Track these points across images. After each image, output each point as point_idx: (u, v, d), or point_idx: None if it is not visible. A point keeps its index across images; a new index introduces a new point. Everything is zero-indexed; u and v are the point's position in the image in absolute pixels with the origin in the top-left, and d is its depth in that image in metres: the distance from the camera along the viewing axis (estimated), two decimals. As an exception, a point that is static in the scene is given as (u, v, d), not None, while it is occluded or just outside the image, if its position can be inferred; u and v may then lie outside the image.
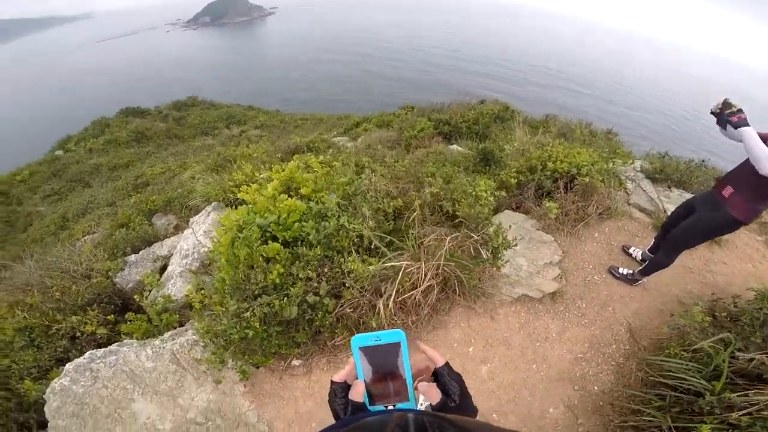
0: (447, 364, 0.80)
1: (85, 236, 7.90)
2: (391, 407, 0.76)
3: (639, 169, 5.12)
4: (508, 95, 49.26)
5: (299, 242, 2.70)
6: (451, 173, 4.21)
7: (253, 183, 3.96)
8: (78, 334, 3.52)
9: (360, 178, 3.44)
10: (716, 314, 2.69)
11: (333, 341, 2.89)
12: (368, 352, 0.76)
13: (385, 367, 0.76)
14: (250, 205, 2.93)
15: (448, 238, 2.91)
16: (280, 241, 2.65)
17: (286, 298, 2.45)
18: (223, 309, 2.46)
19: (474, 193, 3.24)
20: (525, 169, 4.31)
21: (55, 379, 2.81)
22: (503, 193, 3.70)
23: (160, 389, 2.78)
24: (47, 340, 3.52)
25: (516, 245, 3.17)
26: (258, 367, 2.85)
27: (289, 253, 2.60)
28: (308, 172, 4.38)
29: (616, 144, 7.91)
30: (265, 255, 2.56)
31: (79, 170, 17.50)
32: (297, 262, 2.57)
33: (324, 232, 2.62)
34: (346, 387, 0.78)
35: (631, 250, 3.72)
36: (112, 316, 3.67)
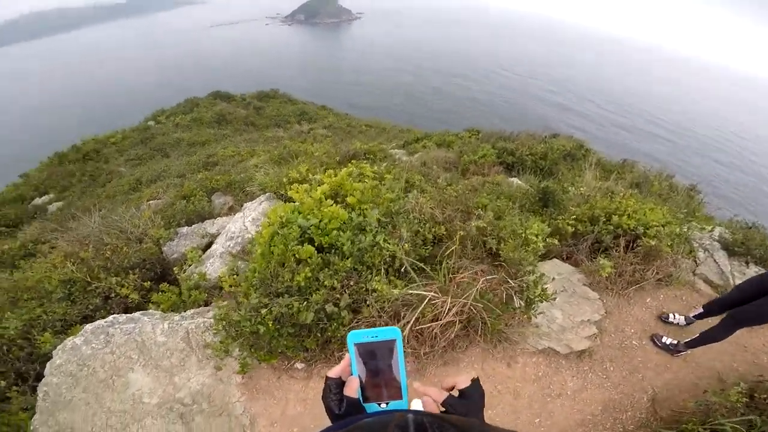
0: (450, 395, 0.78)
1: (150, 201, 8.60)
2: (384, 405, 0.76)
3: (716, 237, 4.55)
4: (585, 133, 46.63)
5: (333, 250, 2.64)
6: (504, 209, 3.95)
7: (305, 183, 4.01)
8: (113, 294, 3.73)
9: (407, 197, 3.33)
10: (755, 395, 2.48)
11: (341, 352, 2.83)
12: (364, 348, 0.76)
13: (379, 364, 0.76)
14: (297, 204, 2.94)
15: (482, 279, 2.70)
16: (316, 245, 2.61)
17: (305, 302, 2.39)
18: (245, 300, 2.45)
19: (524, 235, 3.00)
20: (586, 219, 3.95)
21: (71, 337, 2.95)
22: (555, 241, 3.40)
23: (162, 365, 2.83)
24: (83, 295, 3.76)
25: (555, 298, 2.96)
26: (260, 363, 2.84)
27: (321, 258, 2.54)
28: (360, 180, 4.37)
29: (696, 204, 7.04)
30: (297, 256, 2.52)
31: (163, 141, 19.32)
32: (326, 269, 2.51)
33: (358, 246, 2.54)
34: (340, 383, 0.78)
35: (671, 318, 3.44)
36: (148, 282, 3.86)
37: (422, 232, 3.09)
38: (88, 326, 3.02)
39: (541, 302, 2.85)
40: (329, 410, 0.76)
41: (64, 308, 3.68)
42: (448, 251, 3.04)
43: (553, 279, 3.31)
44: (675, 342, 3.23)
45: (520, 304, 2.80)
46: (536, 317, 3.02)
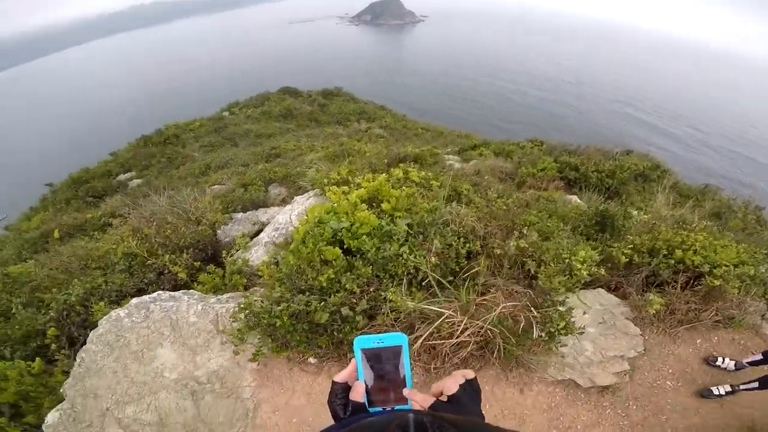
0: (437, 401, 0.77)
1: (213, 186, 9.32)
2: (390, 410, 0.76)
3: (799, 279, 3.88)
4: (666, 152, 42.16)
5: (359, 255, 2.66)
6: (553, 229, 3.69)
7: (345, 185, 4.09)
8: (166, 271, 4.08)
9: (447, 206, 3.25)
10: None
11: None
12: (370, 353, 0.76)
13: (386, 369, 0.77)
14: (334, 205, 3.01)
15: (501, 305, 2.58)
16: (345, 247, 2.65)
17: (323, 303, 2.44)
18: (269, 292, 2.56)
19: (568, 261, 2.77)
20: (645, 249, 3.56)
21: (117, 309, 3.23)
22: (602, 271, 3.12)
23: (189, 343, 3.01)
24: (141, 269, 4.15)
25: (582, 332, 2.76)
26: (273, 353, 2.93)
27: (347, 261, 2.58)
28: (405, 184, 4.35)
29: (786, 242, 6.02)
30: (324, 256, 2.58)
31: (234, 131, 20.83)
32: (349, 272, 2.54)
33: (382, 254, 2.53)
34: (346, 387, 0.78)
35: (719, 361, 3.11)
36: (198, 263, 4.17)
37: (455, 246, 2.99)
38: (133, 300, 3.29)
39: (565, 335, 2.68)
40: (335, 414, 0.77)
41: (122, 280, 4.09)
42: (480, 267, 2.92)
43: (585, 313, 3.09)
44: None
45: (539, 335, 2.65)
46: (558, 349, 2.85)
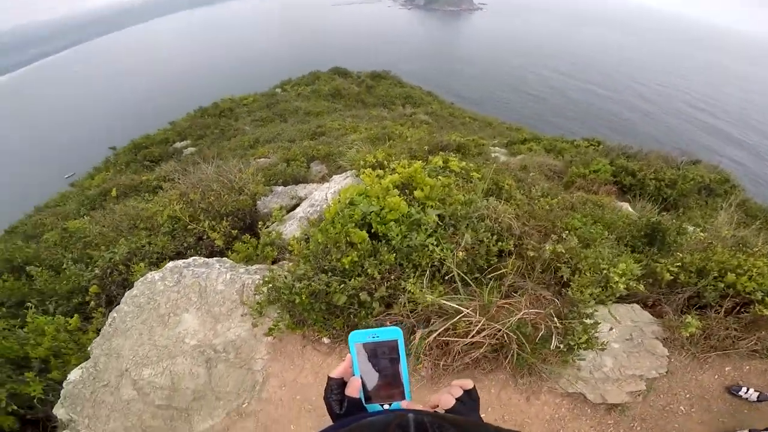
0: (457, 399, 0.76)
1: (259, 158, 9.65)
2: (387, 406, 0.76)
3: None
4: (739, 165, 38.16)
5: (385, 241, 2.63)
6: (596, 237, 3.45)
7: (380, 168, 4.04)
8: (204, 237, 4.25)
9: (485, 200, 3.12)
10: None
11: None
12: (366, 348, 0.75)
13: (382, 364, 0.76)
14: (366, 188, 2.99)
15: (524, 310, 2.46)
16: (372, 231, 2.63)
17: (343, 285, 2.44)
18: (293, 269, 2.60)
19: (606, 272, 2.59)
20: (693, 269, 3.27)
21: (153, 272, 3.35)
22: (641, 287, 2.90)
23: (213, 311, 3.09)
24: (183, 233, 4.33)
25: (604, 348, 2.63)
26: (288, 329, 2.97)
27: (371, 245, 2.56)
28: (443, 173, 4.23)
29: None
30: (350, 239, 2.58)
31: (284, 108, 21.37)
32: (372, 257, 2.51)
33: (408, 242, 2.48)
34: (342, 383, 0.78)
35: (741, 391, 2.88)
36: (236, 231, 4.32)
37: (487, 242, 2.88)
38: (169, 264, 3.40)
39: (585, 350, 2.56)
40: (330, 410, 0.77)
41: (164, 242, 4.27)
42: (509, 268, 2.79)
43: (612, 328, 2.91)
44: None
45: (558, 346, 2.52)
46: (575, 361, 2.72)
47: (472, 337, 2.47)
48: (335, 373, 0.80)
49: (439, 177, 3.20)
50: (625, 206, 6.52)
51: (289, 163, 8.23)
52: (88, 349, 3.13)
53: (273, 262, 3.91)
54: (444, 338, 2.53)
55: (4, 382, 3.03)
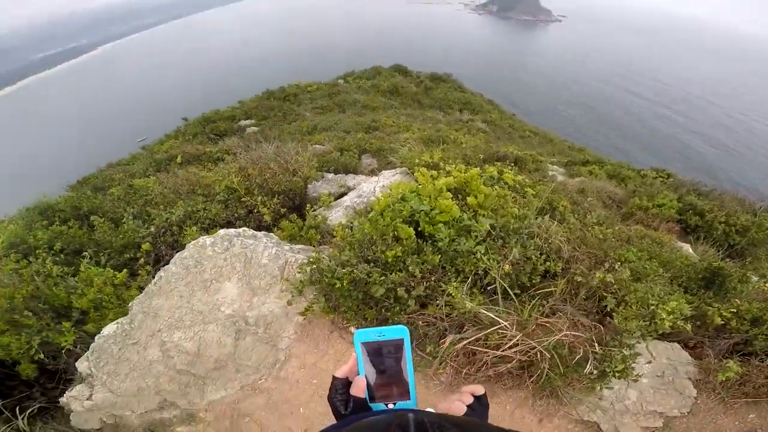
0: (468, 407, 0.75)
1: (315, 144, 9.95)
2: (392, 405, 0.75)
3: None
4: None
5: (431, 241, 2.60)
6: (650, 273, 3.25)
7: (435, 169, 4.00)
8: (255, 210, 4.42)
9: (538, 218, 2.99)
10: None
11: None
12: (371, 347, 0.74)
13: (387, 363, 0.75)
14: (419, 186, 2.98)
15: (563, 332, 2.37)
16: (419, 230, 2.62)
17: (383, 277, 2.44)
18: (337, 253, 2.65)
19: (653, 308, 2.49)
20: (747, 317, 3.06)
21: (205, 237, 3.42)
22: (688, 327, 2.70)
23: (252, 283, 3.12)
24: (235, 204, 4.51)
25: (636, 380, 2.52)
26: (322, 312, 2.97)
27: (417, 243, 2.54)
28: (497, 184, 4.12)
29: None
30: (396, 233, 2.58)
31: (344, 99, 21.87)
32: (415, 255, 2.49)
33: (455, 246, 2.43)
34: (347, 383, 0.77)
35: None
36: (284, 210, 4.49)
37: (534, 260, 2.79)
38: (221, 231, 3.45)
39: (617, 378, 2.46)
40: (335, 410, 0.77)
41: (218, 210, 4.43)
42: (552, 289, 2.68)
43: (649, 362, 2.79)
44: None
45: (592, 371, 2.41)
46: (602, 389, 2.61)
47: (504, 350, 2.41)
48: (340, 373, 0.79)
49: (495, 187, 3.11)
50: (686, 247, 6.03)
51: (342, 153, 8.39)
52: (129, 305, 3.16)
53: (315, 245, 4.01)
54: (473, 347, 2.47)
55: (41, 329, 3.04)
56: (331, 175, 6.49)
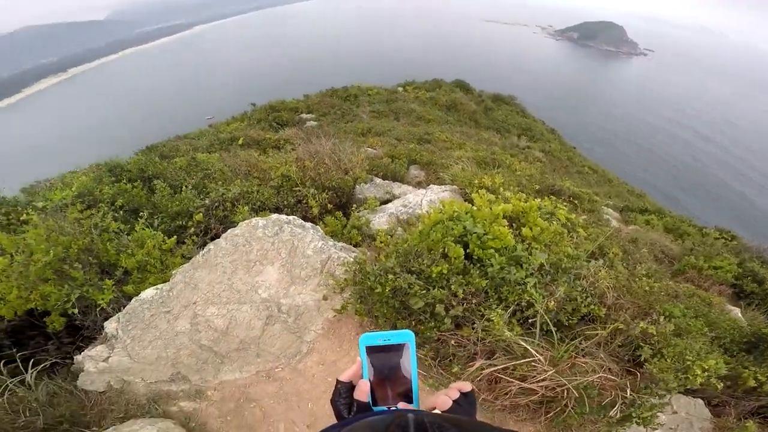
0: (454, 401, 0.74)
1: (368, 148, 10.14)
2: (393, 409, 0.74)
3: None
4: None
5: (479, 265, 2.54)
6: (693, 330, 3.13)
7: (492, 194, 3.92)
8: (303, 201, 4.55)
9: (590, 261, 2.85)
10: None
11: (416, 348, 2.74)
12: (376, 352, 0.74)
13: (391, 367, 0.74)
14: (474, 209, 2.93)
15: (598, 373, 2.29)
16: (467, 251, 2.57)
17: (425, 291, 2.42)
18: (383, 259, 2.66)
19: (690, 362, 2.41)
20: None
21: (259, 218, 3.48)
22: (719, 386, 2.55)
23: (294, 272, 3.14)
24: (287, 192, 4.65)
25: (656, 429, 2.46)
26: (355, 314, 2.97)
27: (464, 264, 2.49)
28: (548, 219, 3.97)
29: None
30: (446, 250, 2.55)
31: (400, 107, 22.07)
32: (461, 276, 2.45)
33: (503, 274, 2.36)
34: (351, 387, 0.78)
35: None
36: (330, 206, 4.60)
37: (578, 302, 2.68)
38: (274, 215, 3.51)
39: (638, 425, 2.36)
40: (338, 414, 0.77)
41: (270, 194, 4.58)
42: (588, 332, 2.57)
43: (674, 412, 2.81)
44: None
45: (617, 413, 2.32)
46: None
47: (530, 382, 2.35)
48: (344, 377, 0.79)
49: (553, 222, 3.00)
50: (735, 311, 5.64)
51: (393, 160, 8.47)
52: (173, 272, 3.17)
53: (354, 245, 4.07)
54: (500, 375, 2.41)
55: (83, 283, 3.02)
56: (379, 180, 6.55)
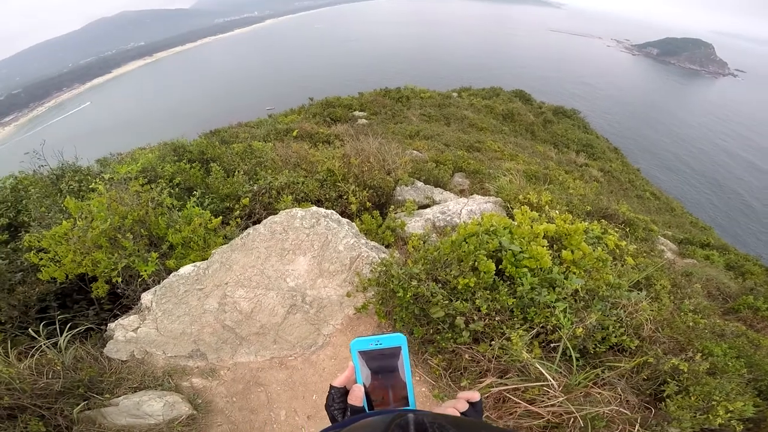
0: (462, 413, 0.73)
1: (414, 150, 10.12)
2: (390, 410, 0.74)
3: None
4: None
5: (510, 282, 2.45)
6: (729, 371, 2.84)
7: (536, 210, 3.76)
8: (344, 197, 4.65)
9: (632, 293, 2.64)
10: None
11: (428, 358, 2.71)
12: (368, 356, 0.74)
13: (385, 371, 0.74)
14: (514, 225, 2.82)
15: (611, 406, 2.16)
16: (500, 267, 2.48)
17: (448, 302, 2.37)
18: (410, 264, 2.64)
19: (716, 402, 2.28)
20: None
21: (297, 209, 3.59)
22: (739, 428, 2.33)
23: (323, 265, 3.20)
24: (330, 186, 4.76)
25: None
26: (376, 316, 2.98)
27: (494, 280, 2.41)
28: (598, 243, 3.73)
29: None
30: (476, 263, 2.48)
31: (452, 113, 21.77)
32: (489, 291, 2.37)
33: (531, 296, 2.26)
34: (345, 392, 0.78)
35: None
36: (369, 204, 4.66)
37: (610, 331, 2.53)
38: (313, 207, 3.62)
39: None
40: (332, 419, 0.76)
41: (314, 186, 4.75)
42: (615, 362, 2.44)
43: None
44: None
45: None
46: None
47: (537, 405, 2.26)
48: (338, 382, 0.78)
49: (597, 248, 2.81)
50: None
51: (437, 165, 8.38)
52: (212, 252, 3.28)
53: (386, 246, 4.09)
54: (507, 394, 2.33)
55: (131, 253, 3.13)
56: (420, 184, 6.52)
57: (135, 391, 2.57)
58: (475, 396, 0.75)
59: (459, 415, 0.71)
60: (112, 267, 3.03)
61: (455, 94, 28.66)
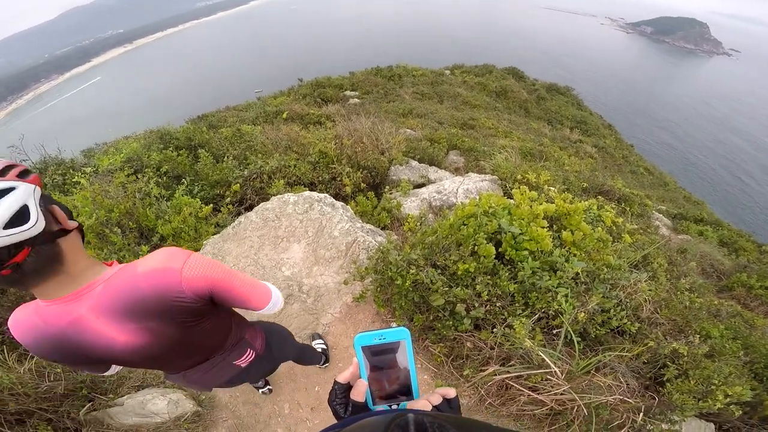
0: (435, 407, 0.72)
1: (407, 129, 9.91)
2: (395, 407, 0.75)
3: None
4: None
5: (510, 267, 2.37)
6: (728, 353, 2.88)
7: (535, 190, 3.66)
8: (338, 178, 4.54)
9: (632, 273, 2.59)
10: None
11: (429, 345, 2.68)
12: (372, 351, 0.74)
13: (389, 366, 0.74)
14: (513, 205, 2.73)
15: (615, 395, 2.14)
16: (499, 250, 2.40)
17: (448, 289, 2.30)
18: (407, 249, 2.55)
19: (715, 387, 2.29)
20: None
21: (289, 194, 3.50)
22: (737, 412, 2.39)
23: (318, 252, 3.12)
24: (323, 168, 4.63)
25: None
26: (376, 304, 2.93)
27: (494, 264, 2.33)
28: (593, 222, 3.66)
29: None
30: (476, 248, 2.39)
31: (445, 90, 21.35)
32: (490, 276, 2.29)
33: (532, 280, 2.19)
34: (347, 387, 0.77)
35: None
36: (363, 185, 4.55)
37: (611, 314, 2.49)
38: (306, 192, 3.52)
39: None
40: (336, 415, 0.76)
41: (306, 170, 4.61)
42: (616, 346, 2.44)
43: None
44: None
45: None
46: None
47: (540, 393, 2.24)
48: (342, 378, 0.77)
49: (598, 228, 2.74)
50: None
51: (432, 144, 8.22)
52: (204, 243, 3.19)
53: (382, 228, 4.00)
54: (510, 382, 2.31)
55: (121, 248, 3.06)
56: (415, 163, 6.38)
57: (138, 390, 2.55)
58: (450, 393, 0.74)
59: (431, 407, 0.70)
60: (102, 264, 2.89)
61: (448, 72, 28.11)
